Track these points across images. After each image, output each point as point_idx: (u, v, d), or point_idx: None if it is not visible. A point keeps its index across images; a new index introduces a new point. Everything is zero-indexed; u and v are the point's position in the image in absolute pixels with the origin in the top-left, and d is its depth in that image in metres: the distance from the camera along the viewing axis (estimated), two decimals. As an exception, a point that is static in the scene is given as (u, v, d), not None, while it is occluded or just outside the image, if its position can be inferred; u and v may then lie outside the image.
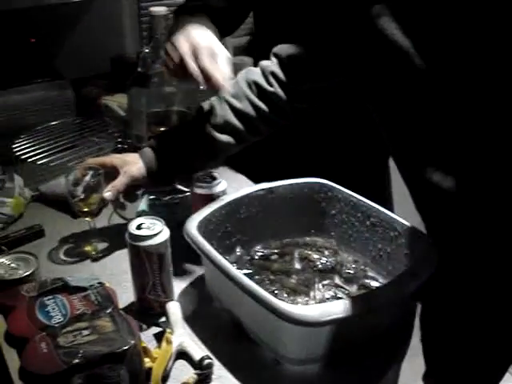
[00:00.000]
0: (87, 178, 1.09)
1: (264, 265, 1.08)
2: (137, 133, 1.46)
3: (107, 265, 1.13)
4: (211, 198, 1.08)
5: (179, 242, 0.96)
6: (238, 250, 1.10)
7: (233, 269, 0.87)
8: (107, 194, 1.05)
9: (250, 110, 1.10)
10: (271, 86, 1.09)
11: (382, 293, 0.87)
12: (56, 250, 1.17)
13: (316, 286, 1.01)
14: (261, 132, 1.13)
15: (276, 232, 1.14)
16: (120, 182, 1.06)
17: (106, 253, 1.16)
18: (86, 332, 0.80)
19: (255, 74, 1.12)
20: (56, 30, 1.84)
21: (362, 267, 1.06)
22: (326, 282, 1.02)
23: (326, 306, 0.85)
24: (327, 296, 0.99)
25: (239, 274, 0.86)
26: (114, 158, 1.12)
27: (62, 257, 1.15)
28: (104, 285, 0.91)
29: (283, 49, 1.10)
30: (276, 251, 1.12)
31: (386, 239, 1.03)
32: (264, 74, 1.10)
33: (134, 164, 1.08)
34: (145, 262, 0.94)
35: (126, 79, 1.44)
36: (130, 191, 1.10)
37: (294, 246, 1.13)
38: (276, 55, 1.10)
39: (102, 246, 1.18)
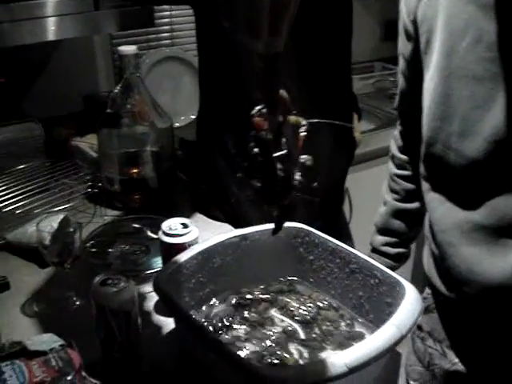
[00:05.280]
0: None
1: (239, 316, 1.02)
2: (108, 175, 1.41)
3: (76, 318, 1.06)
4: (182, 248, 1.02)
5: (149, 294, 0.91)
6: (211, 301, 1.04)
7: (204, 329, 0.82)
8: None
9: None
10: None
11: (365, 349, 0.81)
12: (22, 305, 1.10)
13: (294, 340, 0.95)
14: None
15: (252, 280, 1.08)
16: None
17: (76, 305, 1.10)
18: (43, 403, 0.74)
19: None
20: (27, 70, 1.79)
21: (342, 316, 1.01)
22: (304, 336, 0.96)
23: (304, 366, 0.79)
24: (305, 353, 0.93)
25: (211, 336, 0.80)
26: None
27: (28, 312, 1.09)
28: (65, 348, 0.85)
29: None
30: (252, 300, 1.05)
31: (366, 286, 0.97)
32: None
33: None
34: (110, 321, 0.88)
35: (99, 118, 1.39)
36: None
37: (272, 293, 1.07)
38: None
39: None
